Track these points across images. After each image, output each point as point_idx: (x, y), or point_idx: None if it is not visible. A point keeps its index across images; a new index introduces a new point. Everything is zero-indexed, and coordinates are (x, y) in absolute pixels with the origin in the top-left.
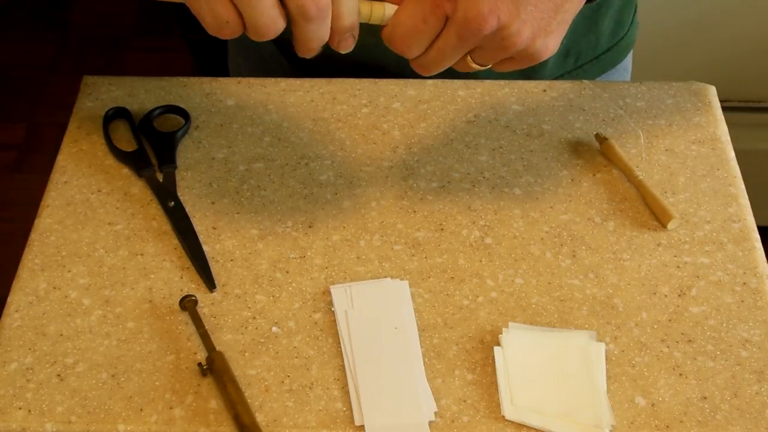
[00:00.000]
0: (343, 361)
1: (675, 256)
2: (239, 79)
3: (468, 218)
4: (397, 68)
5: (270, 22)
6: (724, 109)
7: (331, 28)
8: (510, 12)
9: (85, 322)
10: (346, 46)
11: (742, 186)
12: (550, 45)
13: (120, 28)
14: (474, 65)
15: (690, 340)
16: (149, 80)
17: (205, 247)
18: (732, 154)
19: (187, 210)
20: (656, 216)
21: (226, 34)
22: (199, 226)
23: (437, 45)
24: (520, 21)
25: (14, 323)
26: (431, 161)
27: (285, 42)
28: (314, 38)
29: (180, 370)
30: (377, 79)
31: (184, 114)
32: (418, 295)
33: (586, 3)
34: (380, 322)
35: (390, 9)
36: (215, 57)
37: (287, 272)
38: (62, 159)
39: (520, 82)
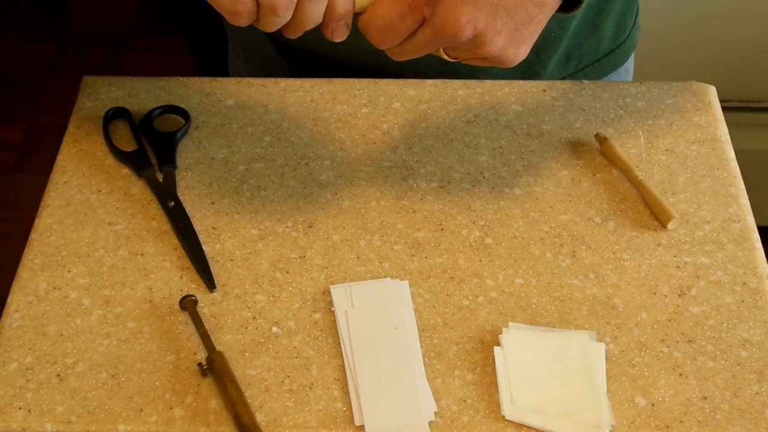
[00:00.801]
0: (343, 361)
1: (675, 256)
2: (239, 79)
3: (468, 218)
4: (398, 72)
5: None
6: (724, 109)
7: (326, 14)
8: (487, 22)
9: (85, 322)
10: (340, 35)
11: (742, 186)
12: (520, 53)
13: (120, 28)
14: (446, 56)
15: (690, 340)
16: (149, 80)
17: (205, 247)
18: (732, 154)
19: (187, 210)
20: (656, 216)
21: (241, 11)
22: (199, 226)
23: (411, 41)
24: (494, 31)
25: (14, 323)
26: (431, 161)
27: (285, 44)
28: (308, 18)
29: (180, 370)
30: (377, 79)
31: (184, 114)
32: (418, 295)
33: (559, 11)
34: (380, 322)
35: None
36: (215, 59)
37: (287, 272)
38: (62, 159)
39: (520, 82)
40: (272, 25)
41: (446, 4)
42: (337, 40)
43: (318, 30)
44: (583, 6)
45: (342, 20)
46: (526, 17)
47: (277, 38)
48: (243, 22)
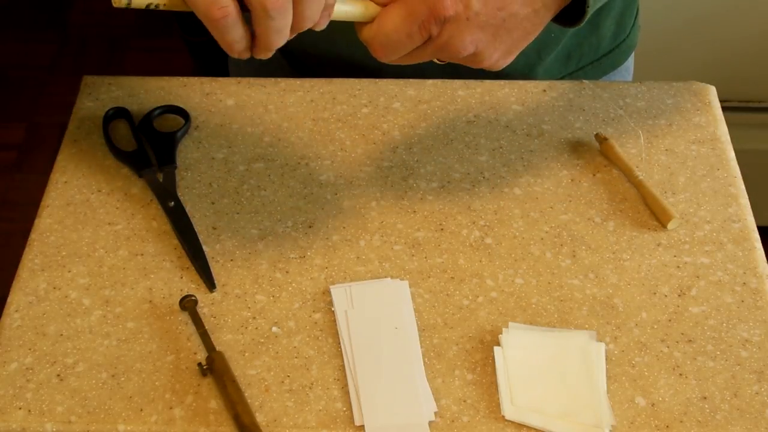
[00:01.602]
0: (343, 361)
1: (675, 256)
2: (239, 79)
3: (468, 218)
4: (395, 71)
5: None
6: (724, 109)
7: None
8: (488, 42)
9: (85, 322)
10: (324, 22)
11: (742, 186)
12: (509, 61)
13: (120, 28)
14: (437, 61)
15: (690, 340)
16: (149, 80)
17: (205, 247)
18: (732, 154)
19: (187, 210)
20: (656, 216)
21: (217, 16)
22: (199, 226)
23: (412, 54)
24: (493, 48)
25: (14, 323)
26: (431, 161)
27: (286, 45)
28: (307, 18)
29: (180, 370)
30: (377, 79)
31: (184, 114)
32: (418, 295)
33: (563, 25)
34: (380, 322)
35: (372, 8)
36: (215, 60)
37: (287, 272)
38: (62, 159)
39: (520, 82)
40: (268, 31)
41: (453, 26)
42: (320, 29)
43: (319, 32)
44: (586, 18)
45: (328, 11)
46: (522, 35)
47: None
48: (226, 31)
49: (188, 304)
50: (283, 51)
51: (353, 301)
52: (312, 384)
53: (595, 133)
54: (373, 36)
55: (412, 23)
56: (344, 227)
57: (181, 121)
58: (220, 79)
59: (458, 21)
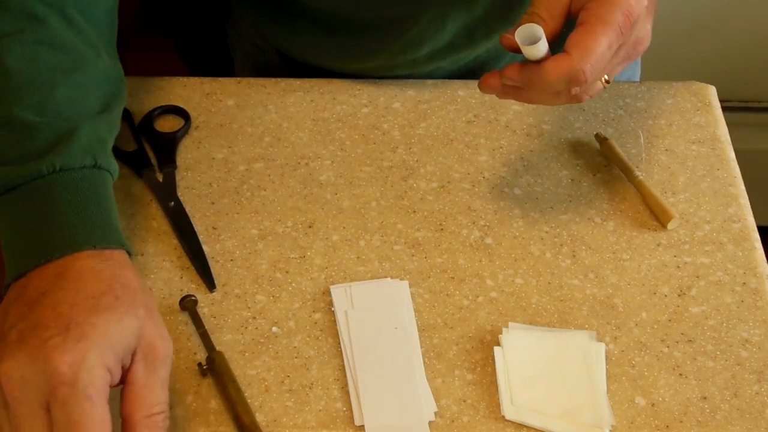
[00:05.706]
0: (343, 361)
1: (675, 256)
2: (239, 79)
3: (468, 218)
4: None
5: None
6: (724, 109)
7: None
8: (648, 29)
9: None
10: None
11: (742, 186)
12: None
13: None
14: (604, 83)
15: (690, 340)
16: (149, 80)
17: (205, 247)
18: (732, 154)
19: (187, 210)
20: (656, 216)
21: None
22: (199, 226)
23: (607, 66)
24: (650, 26)
25: None
26: (431, 161)
27: (300, 64)
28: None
29: (180, 370)
30: (377, 79)
31: (184, 114)
32: (418, 295)
33: None
34: (380, 322)
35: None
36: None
37: (287, 272)
38: None
39: None
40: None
41: (640, 22)
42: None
43: (340, 50)
44: None
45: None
46: (652, 8)
47: (286, 55)
48: None
49: (188, 304)
50: (286, 62)
51: (353, 301)
52: (312, 384)
53: (595, 133)
54: (582, 57)
55: (610, 34)
56: (344, 227)
57: (181, 121)
58: (220, 79)
59: (641, 14)
